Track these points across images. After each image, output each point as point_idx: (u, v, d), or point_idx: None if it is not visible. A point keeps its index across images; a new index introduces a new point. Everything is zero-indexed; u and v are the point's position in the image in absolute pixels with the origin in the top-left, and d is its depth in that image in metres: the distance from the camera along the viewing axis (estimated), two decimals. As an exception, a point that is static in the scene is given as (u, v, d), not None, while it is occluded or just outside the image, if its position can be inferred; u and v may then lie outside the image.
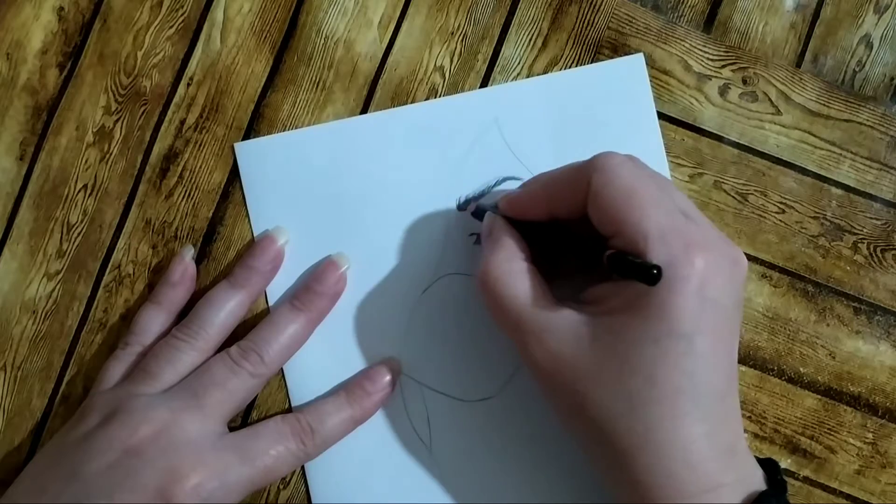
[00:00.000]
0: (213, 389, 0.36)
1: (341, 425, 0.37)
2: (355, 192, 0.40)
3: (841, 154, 0.40)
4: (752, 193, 0.40)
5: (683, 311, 0.30)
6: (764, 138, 0.40)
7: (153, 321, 0.38)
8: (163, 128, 0.40)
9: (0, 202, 0.40)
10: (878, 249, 0.40)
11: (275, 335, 0.37)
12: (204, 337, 0.37)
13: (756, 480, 0.31)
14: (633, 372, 0.30)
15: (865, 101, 0.41)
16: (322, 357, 0.39)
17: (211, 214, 0.40)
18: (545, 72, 0.40)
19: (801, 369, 0.40)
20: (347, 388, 0.38)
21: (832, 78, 0.41)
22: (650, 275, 0.29)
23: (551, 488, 0.38)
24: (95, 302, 0.40)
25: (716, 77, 0.40)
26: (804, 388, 0.40)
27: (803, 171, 0.40)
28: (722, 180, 0.40)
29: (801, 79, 0.41)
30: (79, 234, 0.40)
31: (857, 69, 0.41)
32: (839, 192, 0.40)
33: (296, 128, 0.40)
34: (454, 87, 0.40)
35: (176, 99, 0.40)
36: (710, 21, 0.41)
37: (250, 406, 0.39)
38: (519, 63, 0.41)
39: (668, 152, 0.40)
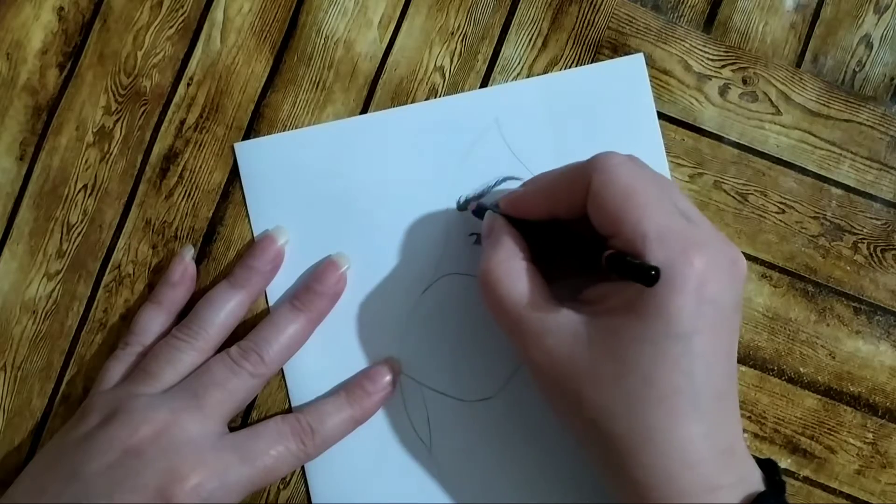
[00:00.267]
0: (214, 389, 0.36)
1: (341, 425, 0.37)
2: (355, 192, 0.40)
3: (841, 154, 0.40)
4: (752, 193, 0.40)
5: (682, 311, 0.30)
6: (764, 138, 0.40)
7: (153, 321, 0.38)
8: (163, 128, 0.40)
9: (0, 202, 0.40)
10: (878, 249, 0.40)
11: (275, 335, 0.37)
12: (204, 337, 0.37)
13: (755, 481, 0.31)
14: (631, 372, 0.30)
15: (865, 101, 0.41)
16: (322, 357, 0.39)
17: (211, 214, 0.40)
18: (545, 72, 0.40)
19: (801, 369, 0.40)
20: (347, 388, 0.38)
21: (832, 78, 0.41)
22: (648, 275, 0.29)
23: (551, 488, 0.38)
24: (95, 302, 0.40)
25: (716, 77, 0.40)
26: (804, 388, 0.40)
27: (803, 171, 0.40)
28: (722, 180, 0.40)
29: (801, 79, 0.41)
30: (79, 234, 0.40)
31: (857, 69, 0.41)
32: (839, 192, 0.40)
33: (296, 128, 0.40)
34: (454, 87, 0.40)
35: (176, 99, 0.40)
36: (710, 21, 0.41)
37: (250, 406, 0.39)
38: (519, 63, 0.41)
39: (668, 152, 0.40)
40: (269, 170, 0.40)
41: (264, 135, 0.40)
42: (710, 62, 0.41)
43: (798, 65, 0.41)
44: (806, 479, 0.39)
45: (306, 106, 0.40)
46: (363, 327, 0.39)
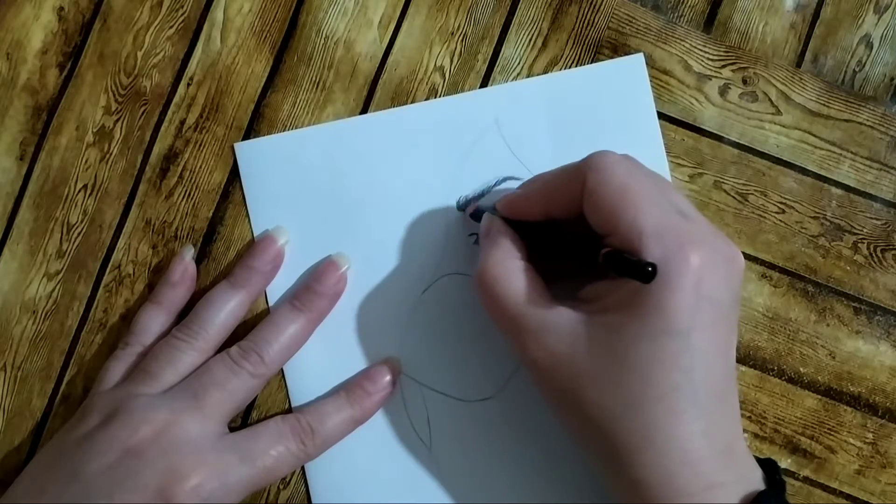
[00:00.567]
0: (214, 390, 0.36)
1: (341, 425, 0.37)
2: (355, 192, 0.40)
3: (841, 154, 0.40)
4: (752, 193, 0.40)
5: (679, 307, 0.30)
6: (764, 138, 0.40)
7: (153, 321, 0.38)
8: (163, 128, 0.40)
9: (0, 202, 0.40)
10: (878, 249, 0.40)
11: (275, 335, 0.37)
12: (204, 337, 0.37)
13: (755, 480, 0.31)
14: (629, 370, 0.30)
15: (865, 101, 0.41)
16: (322, 357, 0.39)
17: (211, 214, 0.40)
18: (545, 72, 0.40)
19: (801, 369, 0.40)
20: (347, 388, 0.38)
21: (832, 78, 0.41)
22: (645, 272, 0.29)
23: (551, 488, 0.38)
24: (95, 302, 0.40)
25: (716, 77, 0.40)
26: (804, 388, 0.40)
27: (803, 171, 0.40)
28: (722, 180, 0.40)
29: (801, 79, 0.41)
30: (79, 234, 0.40)
31: (857, 69, 0.41)
32: (839, 192, 0.40)
33: (296, 128, 0.40)
34: (454, 87, 0.40)
35: (176, 99, 0.40)
36: (710, 21, 0.41)
37: (250, 406, 0.39)
38: (519, 63, 0.41)
39: (668, 152, 0.40)
40: (269, 170, 0.40)
41: (264, 135, 0.40)
42: (710, 62, 0.41)
43: (798, 65, 0.41)
44: (806, 479, 0.39)
45: (306, 106, 0.40)
46: (363, 327, 0.39)
